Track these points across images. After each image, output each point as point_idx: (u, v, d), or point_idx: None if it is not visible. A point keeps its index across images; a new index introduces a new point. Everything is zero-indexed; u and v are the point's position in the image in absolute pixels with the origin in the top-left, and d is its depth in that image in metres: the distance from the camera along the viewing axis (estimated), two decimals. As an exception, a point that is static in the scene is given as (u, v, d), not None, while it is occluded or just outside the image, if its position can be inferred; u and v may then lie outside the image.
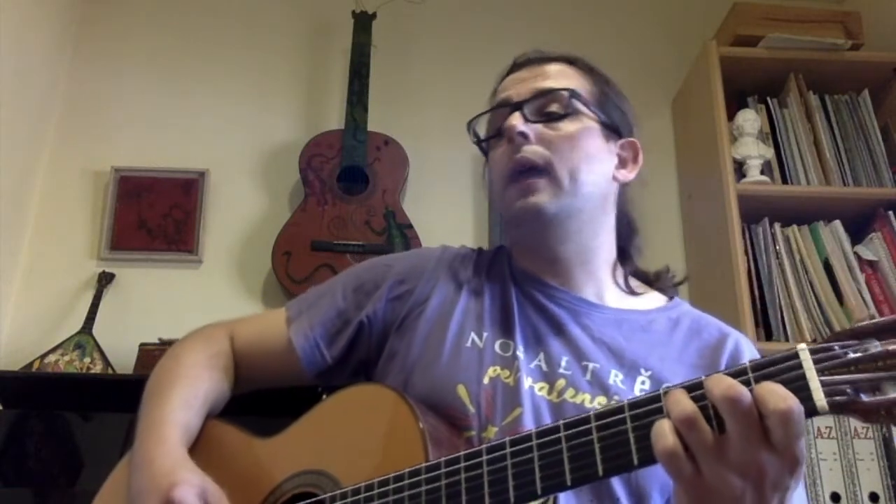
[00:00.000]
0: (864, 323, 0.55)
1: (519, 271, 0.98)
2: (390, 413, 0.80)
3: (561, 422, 0.64)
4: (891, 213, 1.98)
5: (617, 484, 0.78)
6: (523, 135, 0.91)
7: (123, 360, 1.89)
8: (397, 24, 2.34)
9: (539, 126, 0.92)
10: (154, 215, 2.14)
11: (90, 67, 2.30)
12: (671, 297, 1.00)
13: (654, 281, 1.03)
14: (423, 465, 0.71)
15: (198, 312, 2.10)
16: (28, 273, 2.08)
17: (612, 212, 0.98)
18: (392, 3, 2.30)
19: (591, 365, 0.87)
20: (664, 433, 0.57)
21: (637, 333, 0.91)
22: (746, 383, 0.56)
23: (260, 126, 2.27)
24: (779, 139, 2.09)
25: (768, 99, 2.15)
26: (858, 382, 0.53)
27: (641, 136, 1.02)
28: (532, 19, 2.44)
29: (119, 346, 1.92)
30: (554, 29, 2.44)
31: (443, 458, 0.70)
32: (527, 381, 0.85)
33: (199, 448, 0.90)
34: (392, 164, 2.13)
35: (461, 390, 0.84)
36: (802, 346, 0.56)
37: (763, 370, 0.56)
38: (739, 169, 2.05)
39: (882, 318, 0.55)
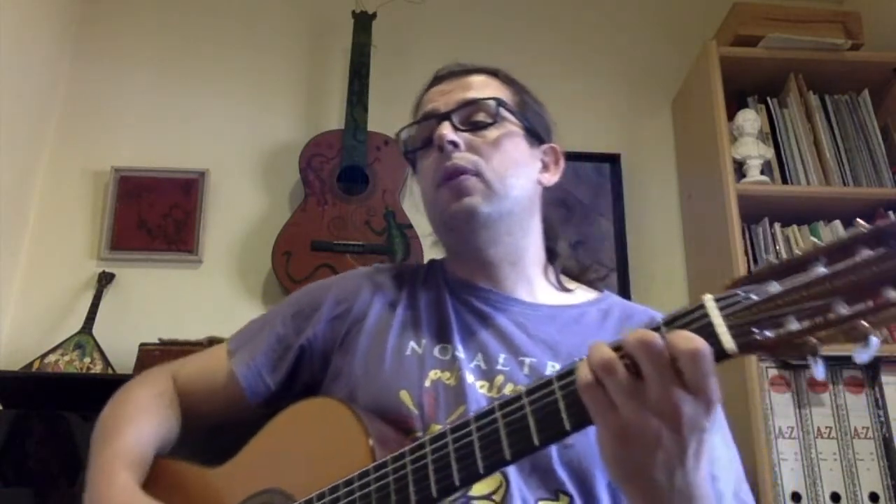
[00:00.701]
0: (762, 267, 0.60)
1: (452, 279, 1.01)
2: (337, 422, 0.81)
3: (496, 402, 0.67)
4: (891, 213, 1.98)
5: (560, 469, 0.81)
6: (453, 143, 0.94)
7: (123, 360, 1.89)
8: (397, 24, 2.34)
9: (467, 135, 0.95)
10: (154, 215, 2.14)
11: (90, 67, 2.30)
12: (601, 291, 1.05)
13: (580, 276, 1.07)
14: (371, 465, 0.73)
15: (198, 312, 2.11)
16: (28, 273, 2.08)
17: (538, 214, 1.03)
18: (392, 3, 2.30)
19: (528, 360, 0.90)
20: (584, 372, 0.61)
21: (570, 326, 0.95)
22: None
23: (260, 126, 2.27)
24: (779, 139, 2.10)
25: (768, 99, 2.15)
26: (761, 321, 0.57)
27: (559, 142, 1.06)
28: (532, 19, 2.44)
29: (119, 346, 1.92)
30: (553, 29, 2.44)
31: (389, 457, 0.72)
32: (469, 379, 0.87)
33: (152, 484, 0.90)
34: (392, 164, 2.13)
35: (404, 395, 0.87)
36: (708, 296, 0.60)
37: (674, 322, 0.61)
38: (739, 169, 2.05)
39: (776, 261, 0.59)
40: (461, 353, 0.91)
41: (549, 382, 0.65)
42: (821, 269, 0.56)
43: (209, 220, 2.16)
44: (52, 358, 1.87)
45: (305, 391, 0.98)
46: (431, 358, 0.91)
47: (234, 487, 0.87)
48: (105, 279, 2.04)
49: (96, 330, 1.94)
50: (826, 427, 1.79)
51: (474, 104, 0.97)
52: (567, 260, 1.07)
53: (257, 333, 1.02)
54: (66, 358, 1.88)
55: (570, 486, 0.81)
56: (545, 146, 1.03)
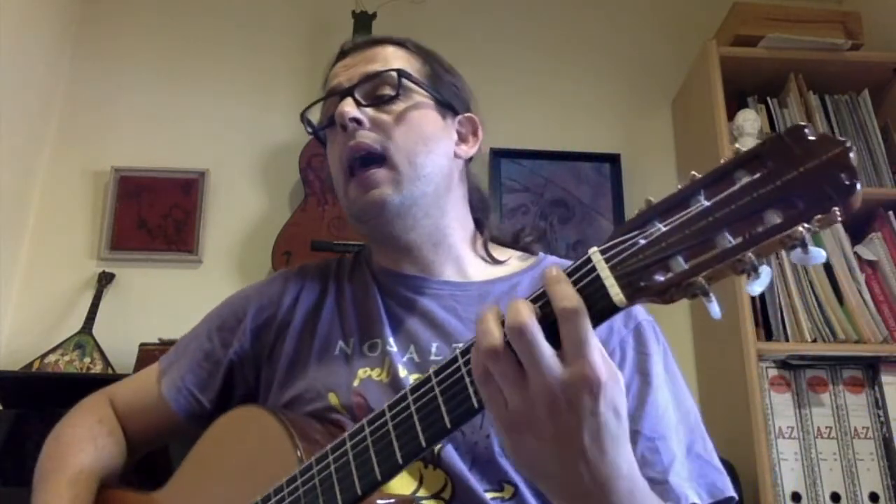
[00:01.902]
0: (643, 209, 0.56)
1: (378, 270, 0.97)
2: (263, 431, 0.80)
3: (407, 388, 0.65)
4: (891, 213, 1.98)
5: (503, 459, 0.79)
6: (356, 120, 0.89)
7: (123, 360, 1.89)
8: (397, 24, 2.33)
9: (371, 110, 0.90)
10: (154, 215, 2.14)
11: (90, 67, 2.30)
12: (535, 254, 1.00)
13: (513, 244, 1.02)
14: (297, 470, 0.72)
15: (198, 312, 2.09)
16: (28, 273, 2.08)
17: (460, 188, 0.97)
18: (392, 3, 2.30)
19: (461, 345, 0.87)
20: (475, 362, 0.58)
21: (502, 302, 0.89)
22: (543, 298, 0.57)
23: (260, 126, 2.27)
24: (779, 139, 2.09)
25: (768, 99, 2.15)
26: (649, 266, 0.54)
27: (479, 111, 1.01)
28: (532, 19, 2.44)
29: (119, 346, 1.92)
30: (553, 29, 2.44)
31: (313, 458, 0.71)
32: (402, 374, 0.84)
33: None
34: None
35: (332, 398, 0.85)
36: (594, 248, 0.57)
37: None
38: (739, 169, 2.05)
39: (658, 200, 0.56)
40: (392, 346, 0.87)
41: (454, 360, 0.62)
42: (702, 203, 0.53)
43: (209, 220, 2.16)
44: (52, 358, 1.87)
45: (244, 402, 0.95)
46: (360, 356, 0.88)
47: None
48: (105, 279, 2.04)
49: (96, 330, 1.94)
50: (826, 427, 1.79)
51: (377, 77, 0.91)
52: (497, 229, 1.02)
53: (185, 351, 0.99)
54: (66, 358, 1.88)
55: (514, 475, 0.78)
56: (460, 117, 0.98)
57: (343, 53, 1.01)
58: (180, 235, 2.13)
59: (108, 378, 1.83)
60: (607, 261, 0.55)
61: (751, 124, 2.08)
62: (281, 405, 0.87)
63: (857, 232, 2.01)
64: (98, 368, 1.87)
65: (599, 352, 0.55)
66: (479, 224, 1.01)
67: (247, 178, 2.23)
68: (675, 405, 0.85)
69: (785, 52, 2.12)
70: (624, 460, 0.59)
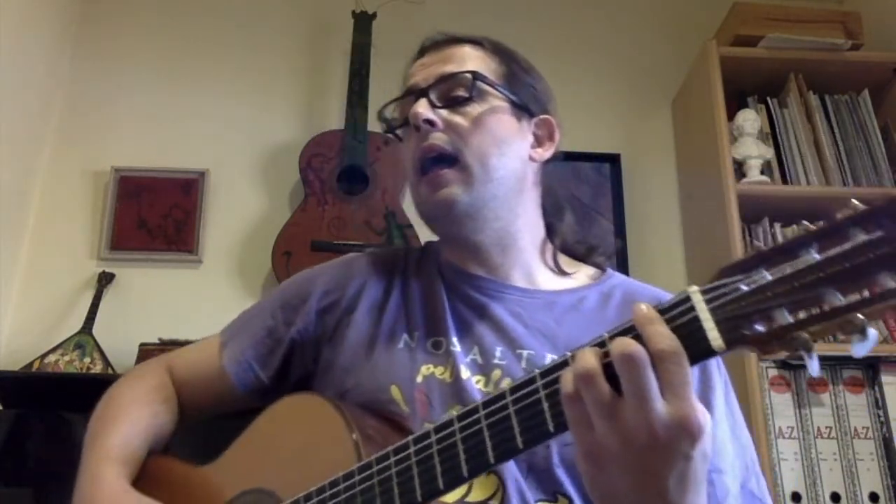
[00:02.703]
0: (750, 254, 0.55)
1: (446, 266, 0.97)
2: (321, 421, 0.80)
3: (480, 401, 0.64)
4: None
5: (560, 470, 0.78)
6: (429, 122, 0.89)
7: (123, 360, 1.89)
8: (397, 24, 2.33)
9: (445, 112, 0.90)
10: (154, 215, 2.14)
11: (90, 67, 2.30)
12: (604, 270, 0.99)
13: (585, 257, 1.02)
14: (356, 466, 0.71)
15: (198, 312, 2.11)
16: (28, 273, 2.08)
17: (533, 191, 0.96)
18: (392, 3, 2.30)
19: (525, 352, 0.86)
20: (567, 381, 0.57)
21: (569, 314, 0.90)
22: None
23: (260, 126, 2.27)
24: (779, 139, 2.10)
25: (768, 99, 2.15)
26: (751, 314, 0.53)
27: (557, 113, 1.00)
28: (532, 20, 2.44)
29: (119, 346, 1.92)
30: (553, 29, 2.44)
31: (374, 457, 0.70)
32: (465, 374, 0.84)
33: (142, 482, 0.89)
34: (392, 164, 2.13)
35: (395, 391, 0.84)
36: (693, 288, 0.56)
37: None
38: (739, 169, 2.05)
39: (764, 248, 0.54)
40: (456, 346, 0.87)
41: (532, 380, 0.62)
42: (813, 256, 0.51)
43: (209, 220, 2.16)
44: (52, 358, 1.87)
45: (300, 382, 0.96)
46: (424, 352, 0.87)
47: (222, 486, 0.86)
48: (105, 279, 2.04)
49: (96, 330, 1.94)
50: (826, 427, 1.79)
51: (451, 78, 0.91)
52: (570, 237, 1.01)
53: (247, 325, 1.00)
54: (66, 358, 1.88)
55: (570, 487, 0.78)
56: (536, 119, 0.97)
57: (422, 51, 0.99)
58: (180, 235, 2.13)
59: (108, 378, 1.82)
60: (707, 302, 0.54)
61: (751, 124, 2.08)
62: (342, 392, 0.87)
63: (857, 232, 2.01)
64: (98, 368, 1.87)
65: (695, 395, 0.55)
66: (550, 230, 1.00)
67: (247, 178, 2.23)
68: (734, 440, 0.84)
69: (785, 52, 2.12)
70: (700, 496, 0.59)
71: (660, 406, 0.55)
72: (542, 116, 0.98)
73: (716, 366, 0.88)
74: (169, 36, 2.36)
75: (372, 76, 2.18)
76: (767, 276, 0.53)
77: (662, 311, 0.57)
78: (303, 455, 0.80)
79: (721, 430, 0.83)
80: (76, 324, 1.96)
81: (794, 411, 1.81)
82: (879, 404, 1.80)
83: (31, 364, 1.86)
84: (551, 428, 0.60)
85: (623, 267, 2.15)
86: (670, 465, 0.56)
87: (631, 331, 0.57)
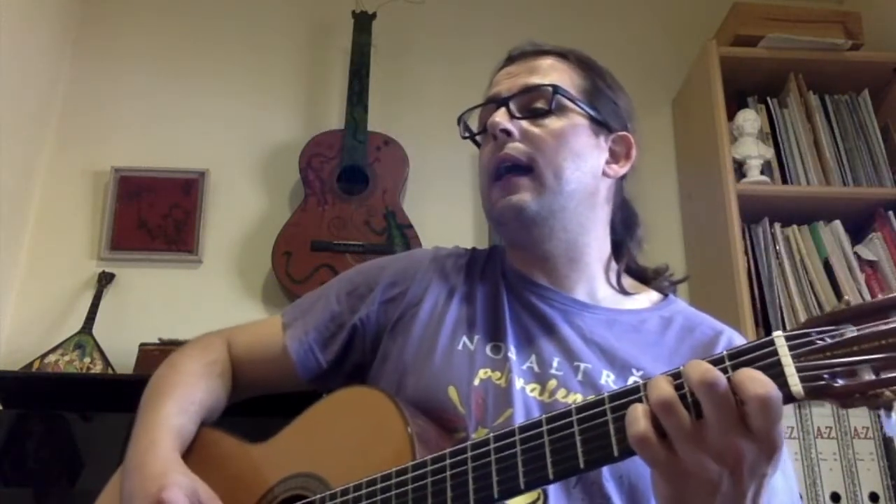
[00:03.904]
0: (841, 307, 0.55)
1: (511, 272, 0.98)
2: (378, 414, 0.80)
3: (543, 416, 0.65)
4: (891, 213, 1.98)
5: (609, 484, 0.78)
6: (507, 132, 0.90)
7: (123, 360, 1.89)
8: (397, 24, 2.34)
9: (524, 123, 0.91)
10: (154, 215, 2.14)
11: (90, 67, 2.30)
12: (666, 295, 1.00)
13: (651, 278, 1.02)
14: (410, 464, 0.71)
15: (198, 312, 2.11)
16: (28, 273, 2.08)
17: (604, 207, 0.97)
18: (392, 3, 2.30)
19: (582, 365, 0.86)
20: (637, 418, 0.58)
21: (629, 334, 0.91)
22: (724, 371, 0.56)
23: (260, 126, 2.27)
24: (779, 139, 2.10)
25: (768, 99, 2.15)
26: (834, 367, 0.53)
27: (640, 133, 1.01)
28: (532, 19, 2.44)
29: (119, 346, 1.92)
30: (554, 29, 2.43)
31: (429, 457, 0.70)
32: (518, 382, 0.85)
33: (193, 454, 0.90)
34: (392, 164, 2.13)
35: (452, 392, 0.85)
36: (778, 333, 0.56)
37: (740, 358, 0.57)
38: (739, 169, 2.05)
39: (858, 303, 0.55)
40: (513, 353, 0.88)
41: (600, 402, 0.62)
42: None
43: (209, 220, 2.16)
44: (52, 358, 1.87)
45: (356, 370, 0.97)
46: (483, 356, 0.88)
47: (272, 467, 0.87)
48: (105, 279, 2.04)
49: (96, 330, 1.94)
50: (826, 427, 1.79)
51: (533, 90, 0.93)
52: (634, 256, 1.02)
53: (312, 308, 1.01)
54: (66, 358, 1.88)
55: (617, 501, 0.78)
56: (615, 135, 0.97)
57: (509, 59, 1.00)
58: (180, 235, 2.13)
59: (108, 378, 1.83)
60: (791, 349, 0.55)
61: (751, 124, 2.08)
62: (399, 386, 0.88)
63: (857, 232, 2.01)
64: (98, 368, 1.87)
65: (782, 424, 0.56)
66: (617, 247, 1.00)
67: (247, 178, 2.23)
68: (784, 477, 0.84)
69: (785, 52, 2.12)
70: None
71: (745, 428, 0.55)
72: (620, 133, 0.98)
73: None
74: (169, 36, 2.35)
75: (372, 76, 2.18)
76: (854, 331, 0.54)
77: (746, 350, 0.57)
78: (357, 446, 0.81)
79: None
80: (76, 324, 1.96)
81: (794, 411, 1.81)
82: (879, 404, 1.80)
83: (31, 364, 1.86)
84: (616, 453, 0.60)
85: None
86: (751, 483, 0.57)
87: (716, 365, 0.57)
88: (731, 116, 2.10)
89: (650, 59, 2.43)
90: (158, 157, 2.20)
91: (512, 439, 0.65)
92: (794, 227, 2.01)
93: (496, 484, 0.65)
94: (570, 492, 0.78)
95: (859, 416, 1.80)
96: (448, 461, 0.68)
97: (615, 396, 0.61)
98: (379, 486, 0.72)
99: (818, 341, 0.54)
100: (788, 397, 0.54)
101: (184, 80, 2.30)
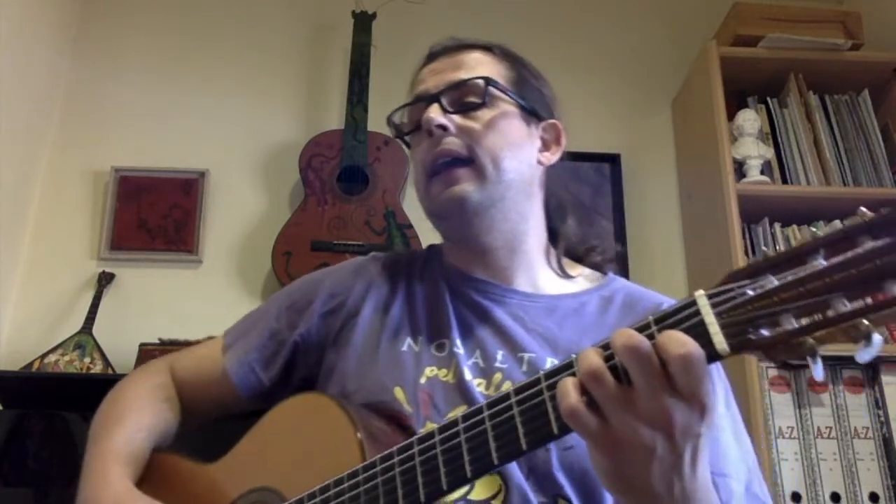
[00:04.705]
0: (758, 260, 0.55)
1: (450, 269, 0.98)
2: (327, 420, 0.80)
3: (484, 403, 0.65)
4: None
5: (559, 474, 0.79)
6: (443, 127, 0.90)
7: (123, 360, 1.89)
8: (397, 24, 2.34)
9: (458, 117, 0.91)
10: (154, 215, 2.14)
11: (90, 67, 2.30)
12: (605, 274, 1.01)
13: (583, 258, 1.03)
14: (360, 465, 0.72)
15: (198, 312, 2.11)
16: (28, 273, 2.08)
17: (539, 195, 0.98)
18: (392, 3, 2.30)
19: (526, 356, 0.87)
20: (566, 392, 0.58)
21: (570, 318, 0.92)
22: (651, 336, 0.57)
23: (260, 126, 2.27)
24: (779, 139, 2.10)
25: (768, 99, 2.15)
26: (756, 320, 0.53)
27: (563, 116, 1.02)
28: (532, 20, 2.44)
29: (119, 346, 1.92)
30: (553, 29, 2.44)
31: (378, 457, 0.71)
32: (468, 377, 0.85)
33: (148, 480, 0.90)
34: (392, 164, 2.13)
35: (398, 393, 0.85)
36: (700, 292, 0.56)
37: (665, 321, 0.57)
38: (739, 169, 2.05)
39: (773, 254, 0.55)
40: (459, 349, 0.88)
41: (537, 381, 0.62)
42: (820, 262, 0.52)
43: (209, 220, 2.16)
44: (52, 358, 1.87)
45: (303, 384, 0.96)
46: (428, 355, 0.88)
47: (228, 485, 0.87)
48: (105, 279, 2.04)
49: (96, 330, 1.94)
50: (826, 427, 1.79)
51: (464, 84, 0.92)
52: (572, 239, 1.02)
53: (252, 328, 1.00)
54: (66, 358, 1.88)
55: (570, 491, 0.78)
56: (545, 123, 0.98)
57: (431, 56, 1.00)
58: (180, 235, 2.13)
59: (108, 378, 1.83)
60: (714, 306, 0.55)
61: (751, 124, 2.08)
62: (345, 394, 0.88)
63: (857, 232, 2.01)
64: (98, 368, 1.87)
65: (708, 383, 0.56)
66: (553, 233, 1.01)
67: (247, 178, 2.23)
68: (737, 444, 0.85)
69: (785, 52, 2.12)
70: (707, 470, 0.61)
71: (672, 389, 0.56)
72: (549, 121, 0.99)
73: (716, 371, 0.89)
74: (169, 36, 2.35)
75: (372, 76, 2.18)
76: (774, 282, 0.54)
77: (671, 313, 0.57)
78: (308, 454, 0.81)
79: (725, 435, 0.84)
80: (76, 324, 1.96)
81: (794, 411, 1.81)
82: (879, 404, 1.81)
83: (31, 364, 1.86)
84: (555, 430, 0.60)
85: (623, 267, 2.15)
86: (686, 443, 0.57)
87: (643, 331, 0.58)
88: (731, 116, 2.10)
89: (650, 59, 2.43)
90: (158, 157, 2.20)
91: (456, 429, 0.66)
92: (794, 227, 2.01)
93: (444, 475, 0.65)
94: (526, 484, 0.78)
95: (859, 416, 1.80)
96: (396, 458, 0.69)
97: (550, 374, 0.62)
98: (332, 491, 0.73)
99: (740, 296, 0.54)
100: (714, 355, 0.55)
101: (184, 80, 2.30)
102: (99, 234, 2.12)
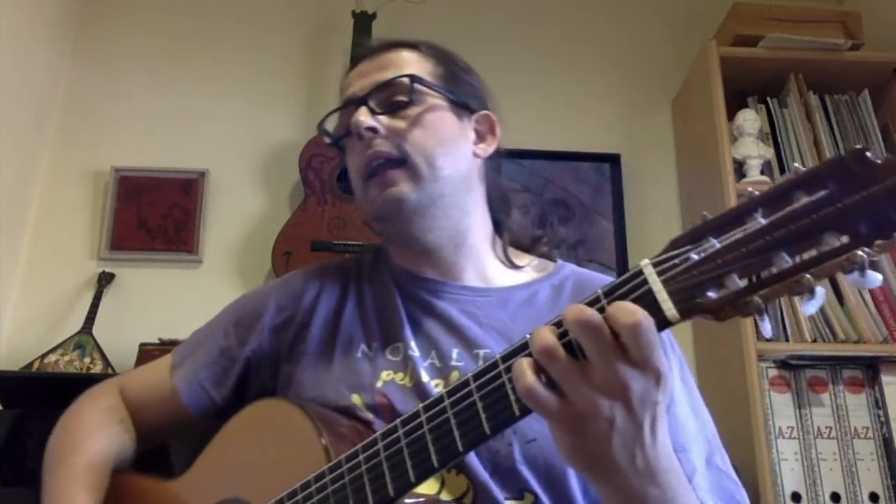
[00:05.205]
0: (697, 224, 0.56)
1: (399, 271, 0.97)
2: (289, 424, 0.79)
3: (444, 391, 0.65)
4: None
5: (523, 467, 0.78)
6: (372, 129, 0.89)
7: (123, 360, 1.89)
8: (397, 24, 2.33)
9: (386, 118, 0.90)
10: (154, 215, 2.14)
11: (90, 67, 2.30)
12: (555, 262, 1.00)
13: (531, 248, 1.02)
14: (326, 467, 0.71)
15: (198, 312, 2.08)
16: (28, 273, 2.08)
17: (479, 187, 0.97)
18: (392, 3, 2.30)
19: (481, 352, 0.87)
20: (522, 372, 0.58)
21: (523, 309, 0.91)
22: (601, 309, 0.57)
23: (260, 126, 2.27)
24: (779, 139, 2.10)
25: (768, 99, 2.15)
26: (703, 283, 0.54)
27: (497, 108, 1.00)
28: (532, 20, 2.44)
29: (119, 346, 1.92)
30: (553, 29, 2.44)
31: (343, 456, 0.70)
32: (424, 378, 0.84)
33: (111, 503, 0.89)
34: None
35: (356, 399, 0.84)
36: (645, 261, 0.57)
37: (614, 293, 0.57)
38: (739, 169, 2.05)
39: (713, 216, 0.55)
40: (414, 351, 0.87)
41: (494, 364, 0.62)
42: (759, 221, 0.53)
43: (209, 220, 2.16)
44: (52, 358, 1.87)
45: (261, 398, 0.94)
46: (383, 359, 0.88)
47: (195, 499, 0.86)
48: (105, 279, 2.04)
49: (96, 330, 1.94)
50: (826, 427, 1.79)
51: (391, 84, 0.91)
52: (517, 230, 1.02)
53: (200, 346, 0.99)
54: (66, 358, 1.88)
55: (535, 484, 0.78)
56: (477, 115, 0.97)
57: (356, 60, 0.98)
58: (180, 235, 2.13)
59: (108, 378, 1.83)
60: (660, 274, 0.56)
61: (751, 124, 2.08)
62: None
63: (857, 232, 2.01)
64: (98, 368, 1.87)
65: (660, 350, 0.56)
66: (498, 224, 1.00)
67: (247, 178, 2.23)
68: (694, 417, 0.85)
69: (785, 52, 2.12)
70: (667, 438, 0.61)
71: (624, 359, 0.56)
72: (482, 112, 0.98)
73: (669, 345, 0.89)
74: (169, 36, 2.35)
75: (372, 76, 2.18)
76: (716, 244, 0.54)
77: (617, 286, 0.57)
78: (273, 460, 0.80)
79: (681, 409, 0.84)
80: (76, 324, 1.96)
81: (794, 411, 1.81)
82: (879, 404, 1.80)
83: (31, 364, 1.86)
84: (516, 412, 0.60)
85: (623, 268, 2.15)
86: (645, 412, 0.57)
87: (593, 304, 0.58)
88: (731, 116, 2.10)
89: (650, 59, 2.43)
90: (158, 157, 2.20)
91: (419, 420, 0.65)
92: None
93: (411, 468, 0.65)
94: (490, 481, 0.78)
95: (859, 416, 1.80)
96: (361, 456, 0.69)
97: (507, 356, 0.61)
98: (300, 495, 0.72)
99: (684, 261, 0.55)
100: (664, 322, 0.55)
101: (184, 80, 2.30)
102: (99, 234, 2.12)
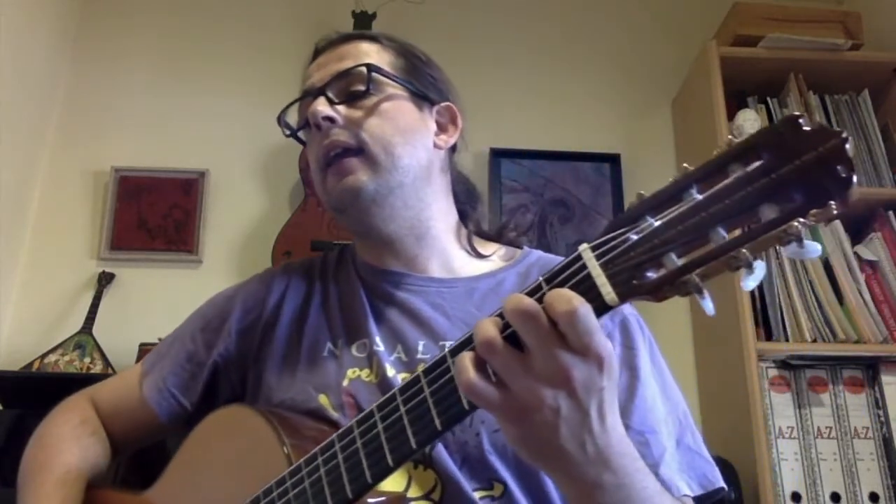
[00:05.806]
0: (634, 203, 0.54)
1: (363, 266, 0.96)
2: (249, 430, 0.79)
3: (396, 389, 0.64)
4: (891, 213, 1.98)
5: (493, 457, 0.78)
6: (330, 119, 0.88)
7: (123, 360, 1.89)
8: (397, 24, 2.33)
9: (343, 108, 0.90)
10: (154, 215, 2.14)
11: (90, 67, 2.30)
12: (521, 248, 0.99)
13: (498, 237, 1.02)
14: (287, 472, 0.71)
15: (198, 312, 2.11)
16: (28, 273, 2.08)
17: (442, 178, 0.96)
18: (392, 3, 2.30)
19: (448, 343, 0.86)
20: (463, 368, 0.56)
21: (489, 299, 0.90)
22: (542, 298, 0.55)
23: (260, 126, 2.27)
24: (779, 139, 2.09)
25: (768, 99, 2.15)
26: (642, 264, 0.52)
27: (458, 100, 1.00)
28: (532, 19, 2.44)
29: (119, 346, 1.92)
30: (553, 29, 2.44)
31: (301, 460, 0.70)
32: (390, 373, 0.83)
33: None
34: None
35: (323, 400, 0.84)
36: (584, 245, 0.56)
37: (555, 280, 0.56)
38: (739, 169, 2.05)
39: (649, 194, 0.54)
40: (379, 346, 0.86)
41: (443, 359, 0.61)
42: (695, 197, 0.51)
43: (209, 220, 2.16)
44: (52, 358, 1.87)
45: (232, 402, 0.93)
46: (349, 357, 0.87)
47: None
48: (105, 279, 2.04)
49: (96, 330, 1.94)
50: (826, 427, 1.79)
51: (347, 73, 0.90)
52: (486, 220, 1.01)
53: (167, 352, 0.98)
54: (66, 358, 1.88)
55: (504, 473, 0.78)
56: (438, 106, 0.96)
57: (317, 52, 0.98)
58: (180, 235, 2.13)
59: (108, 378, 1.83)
60: (598, 258, 0.54)
61: (751, 124, 2.08)
62: (271, 407, 0.87)
63: (857, 232, 2.01)
64: (98, 368, 1.87)
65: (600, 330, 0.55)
66: (464, 216, 1.00)
67: (247, 178, 2.23)
68: (664, 398, 0.84)
69: (785, 52, 2.12)
70: (618, 422, 0.60)
71: (565, 347, 0.54)
72: (443, 104, 0.97)
73: (638, 327, 0.89)
74: (169, 36, 2.36)
75: (372, 76, 2.18)
76: (653, 223, 0.53)
77: (558, 271, 0.56)
78: (236, 468, 0.79)
79: (650, 391, 0.83)
80: (76, 324, 1.96)
81: (794, 411, 1.81)
82: (879, 404, 1.80)
83: (31, 364, 1.86)
84: (466, 406, 0.59)
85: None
86: (590, 399, 0.56)
87: (535, 291, 0.57)
88: (731, 116, 2.09)
89: (650, 59, 2.43)
90: (158, 157, 2.20)
91: (373, 420, 0.64)
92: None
93: (367, 468, 0.64)
94: (460, 473, 0.77)
95: (859, 416, 1.80)
96: (320, 458, 0.68)
97: (455, 350, 0.60)
98: (263, 502, 0.72)
99: (623, 243, 0.53)
100: (604, 307, 0.54)
101: (184, 80, 2.31)
102: (99, 234, 2.13)
